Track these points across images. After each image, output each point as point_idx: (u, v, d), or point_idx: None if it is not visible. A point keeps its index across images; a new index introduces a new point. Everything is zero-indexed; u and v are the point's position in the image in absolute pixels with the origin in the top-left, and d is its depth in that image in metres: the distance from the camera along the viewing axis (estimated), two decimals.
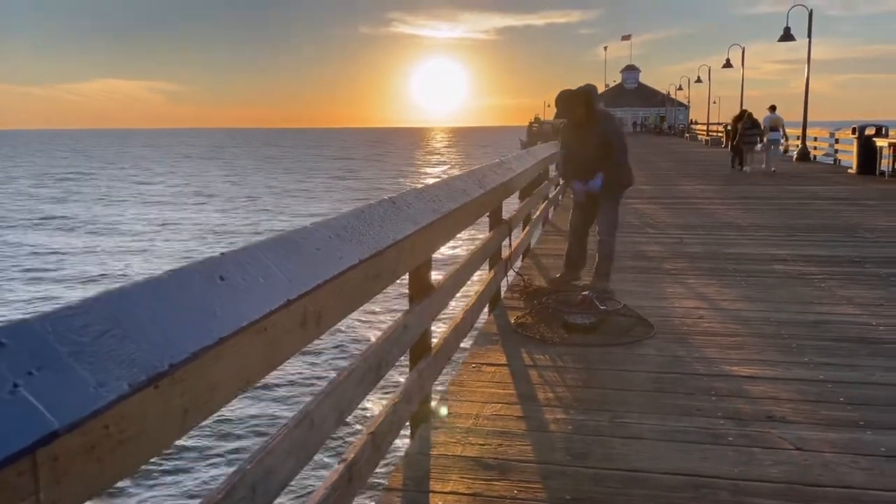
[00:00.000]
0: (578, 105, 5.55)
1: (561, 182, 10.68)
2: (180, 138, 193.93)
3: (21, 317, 1.02)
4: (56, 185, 43.48)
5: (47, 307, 1.15)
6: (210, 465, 6.96)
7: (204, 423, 1.35)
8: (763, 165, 18.25)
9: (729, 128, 22.68)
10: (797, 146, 22.99)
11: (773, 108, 19.62)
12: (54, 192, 38.88)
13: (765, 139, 18.41)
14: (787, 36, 22.51)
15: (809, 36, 21.82)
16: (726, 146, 20.43)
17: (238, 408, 7.93)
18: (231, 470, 1.48)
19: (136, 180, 46.03)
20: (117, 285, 1.21)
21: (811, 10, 21.65)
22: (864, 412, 3.19)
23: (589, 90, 5.71)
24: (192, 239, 22.54)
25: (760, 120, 18.83)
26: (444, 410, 3.28)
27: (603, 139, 5.54)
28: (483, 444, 2.94)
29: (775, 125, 18.87)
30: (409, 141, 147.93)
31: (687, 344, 4.24)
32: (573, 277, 5.91)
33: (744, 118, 19.08)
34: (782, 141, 20.35)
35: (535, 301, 5.13)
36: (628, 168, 5.78)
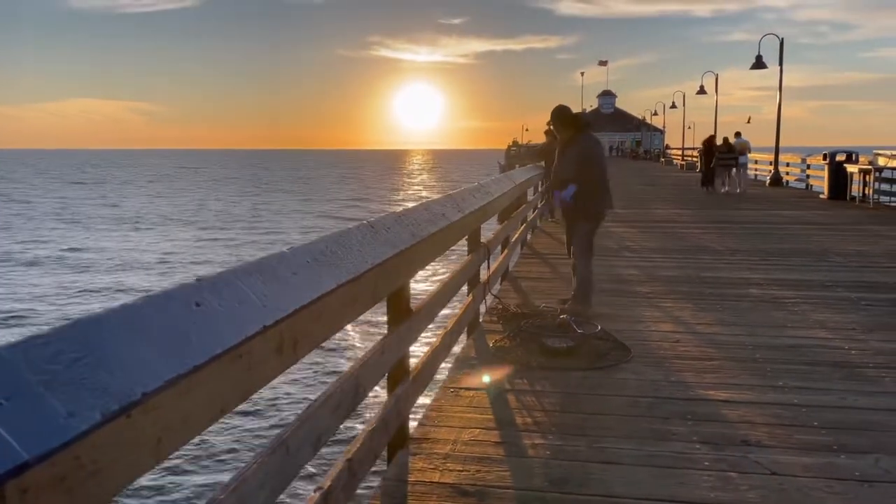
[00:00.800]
0: (568, 126, 5.74)
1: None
2: (153, 159, 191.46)
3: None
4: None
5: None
6: (182, 492, 6.83)
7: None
8: (737, 188, 19.65)
9: (699, 152, 23.86)
10: (768, 170, 23.43)
11: (738, 134, 21.23)
12: None
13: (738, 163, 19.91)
14: (759, 64, 22.96)
15: (781, 64, 22.29)
16: (701, 170, 21.37)
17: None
18: (205, 499, 1.45)
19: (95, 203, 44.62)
20: (91, 312, 1.19)
21: (782, 39, 22.14)
22: (838, 436, 3.22)
23: (581, 114, 5.91)
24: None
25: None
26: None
27: (578, 159, 5.63)
28: (461, 471, 2.92)
29: (742, 150, 20.34)
30: (387, 163, 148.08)
31: (663, 368, 4.26)
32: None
33: (713, 143, 20.68)
34: (749, 164, 21.82)
35: (514, 325, 5.14)
36: (601, 191, 5.74)
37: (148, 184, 68.49)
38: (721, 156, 19.94)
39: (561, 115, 5.79)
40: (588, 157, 5.69)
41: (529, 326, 5.01)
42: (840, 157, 17.24)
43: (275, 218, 35.42)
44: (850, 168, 16.73)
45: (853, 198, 16.55)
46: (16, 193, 53.36)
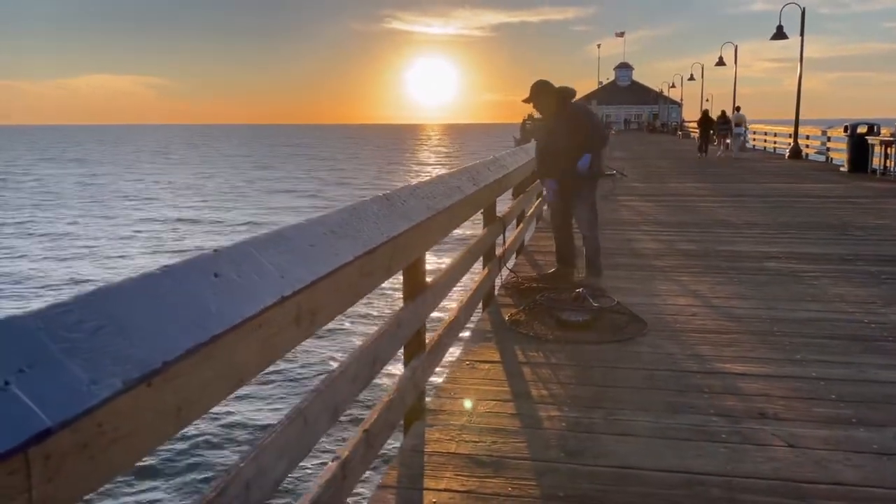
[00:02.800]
0: (550, 94, 5.56)
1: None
2: (161, 134, 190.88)
3: (12, 313, 1.00)
4: None
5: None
6: (203, 462, 6.95)
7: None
8: (733, 153, 23.96)
9: (697, 123, 28.58)
10: (787, 143, 23.15)
11: (738, 109, 26.32)
12: None
13: (732, 132, 24.93)
14: (779, 34, 22.57)
15: (802, 34, 21.86)
16: (702, 141, 25.56)
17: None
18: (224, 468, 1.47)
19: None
20: (111, 281, 1.20)
21: (804, 9, 21.69)
22: (857, 409, 3.20)
23: (564, 88, 5.68)
24: None
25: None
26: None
27: (575, 126, 5.54)
28: (477, 442, 2.94)
29: (739, 122, 24.88)
30: (402, 137, 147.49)
31: (680, 341, 4.25)
32: (567, 273, 5.91)
33: (708, 117, 25.79)
34: (745, 134, 26.58)
35: (529, 298, 5.13)
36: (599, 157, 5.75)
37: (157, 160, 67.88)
38: (719, 125, 25.40)
39: (540, 89, 5.55)
40: (588, 126, 5.63)
41: (545, 300, 5.01)
42: (861, 129, 16.95)
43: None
44: (872, 140, 16.45)
45: (874, 171, 16.29)
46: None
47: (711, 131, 25.57)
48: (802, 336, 4.30)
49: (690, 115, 59.67)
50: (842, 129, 18.08)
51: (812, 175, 16.66)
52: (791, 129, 23.10)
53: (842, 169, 17.61)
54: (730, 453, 2.81)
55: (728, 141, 24.99)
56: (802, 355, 3.95)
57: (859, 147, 16.76)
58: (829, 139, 21.24)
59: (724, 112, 26.25)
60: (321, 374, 8.55)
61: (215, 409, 1.41)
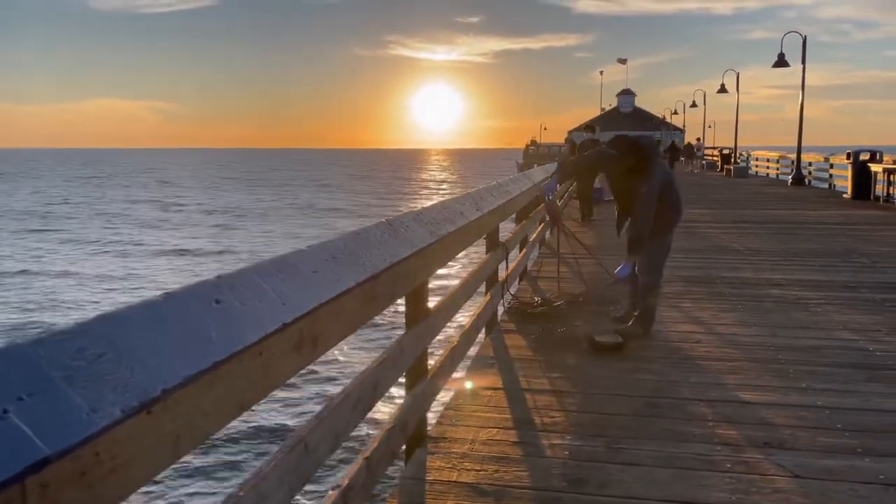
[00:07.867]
0: (629, 156, 4.89)
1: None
2: (168, 158, 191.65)
3: (12, 341, 1.00)
4: None
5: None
6: (202, 489, 6.88)
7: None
8: (695, 170, 33.53)
9: (685, 148, 39.52)
10: (790, 169, 23.20)
11: (698, 139, 40.30)
12: None
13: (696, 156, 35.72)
14: (781, 62, 22.71)
15: (804, 62, 21.99)
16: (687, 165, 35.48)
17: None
18: (224, 496, 1.46)
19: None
20: (112, 308, 1.20)
21: (805, 37, 21.85)
22: (863, 439, 3.17)
23: (649, 144, 5.05)
24: None
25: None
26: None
27: (637, 190, 4.83)
28: (479, 470, 2.91)
29: (699, 148, 37.15)
30: (406, 162, 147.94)
31: (683, 368, 4.22)
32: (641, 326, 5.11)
33: (673, 145, 36.25)
34: (701, 156, 36.94)
35: (533, 323, 5.11)
36: (641, 230, 4.84)
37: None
38: (684, 151, 36.62)
39: (621, 146, 4.92)
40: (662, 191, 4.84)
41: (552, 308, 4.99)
42: (864, 157, 16.99)
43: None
44: (875, 167, 16.47)
45: (877, 197, 16.30)
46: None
47: (681, 157, 36.12)
48: (807, 364, 4.27)
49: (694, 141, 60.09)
50: (845, 156, 18.12)
51: (815, 202, 16.68)
52: (791, 156, 23.14)
53: (845, 196, 17.63)
54: (735, 483, 2.78)
55: (694, 161, 35.45)
56: (807, 384, 3.92)
57: (862, 174, 16.79)
58: (831, 166, 21.28)
59: (689, 143, 37.79)
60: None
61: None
